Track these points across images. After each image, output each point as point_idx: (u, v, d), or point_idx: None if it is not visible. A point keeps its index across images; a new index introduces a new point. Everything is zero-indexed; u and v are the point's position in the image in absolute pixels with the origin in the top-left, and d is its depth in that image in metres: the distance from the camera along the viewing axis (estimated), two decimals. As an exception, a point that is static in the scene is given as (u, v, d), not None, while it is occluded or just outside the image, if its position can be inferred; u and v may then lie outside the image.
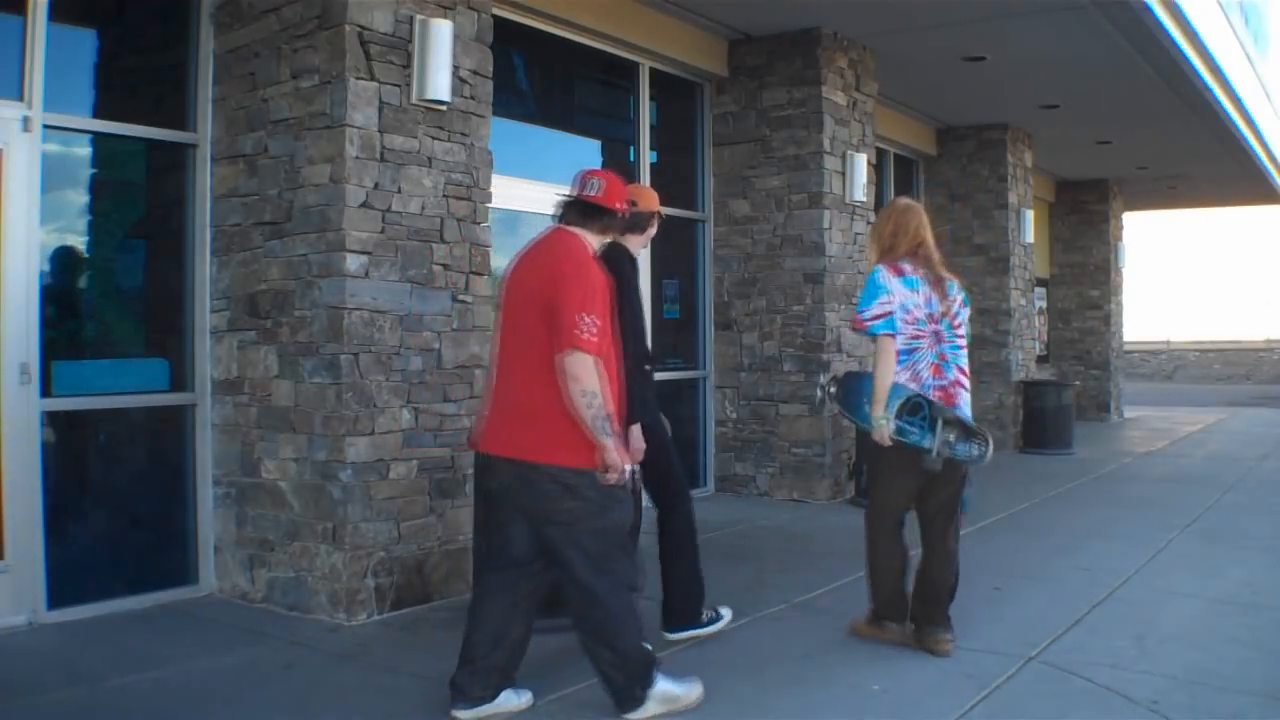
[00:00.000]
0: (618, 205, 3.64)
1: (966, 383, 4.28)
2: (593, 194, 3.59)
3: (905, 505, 4.34)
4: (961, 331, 4.29)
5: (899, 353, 4.16)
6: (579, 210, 3.60)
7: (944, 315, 4.22)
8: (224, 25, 5.11)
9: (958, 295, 4.30)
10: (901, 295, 4.17)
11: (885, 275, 4.20)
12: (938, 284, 4.25)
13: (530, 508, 3.45)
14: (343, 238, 4.61)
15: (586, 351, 3.29)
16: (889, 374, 4.16)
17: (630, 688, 3.49)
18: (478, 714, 3.47)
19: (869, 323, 4.19)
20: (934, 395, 4.17)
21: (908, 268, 4.22)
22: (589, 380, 3.29)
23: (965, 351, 4.30)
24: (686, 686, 3.62)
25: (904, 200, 4.51)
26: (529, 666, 3.66)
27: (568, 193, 3.65)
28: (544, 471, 3.36)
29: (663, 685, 3.53)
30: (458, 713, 3.46)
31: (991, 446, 4.16)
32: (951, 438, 4.11)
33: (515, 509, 3.51)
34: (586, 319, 3.30)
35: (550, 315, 3.32)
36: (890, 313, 4.15)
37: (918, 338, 4.18)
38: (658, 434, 4.25)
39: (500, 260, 6.28)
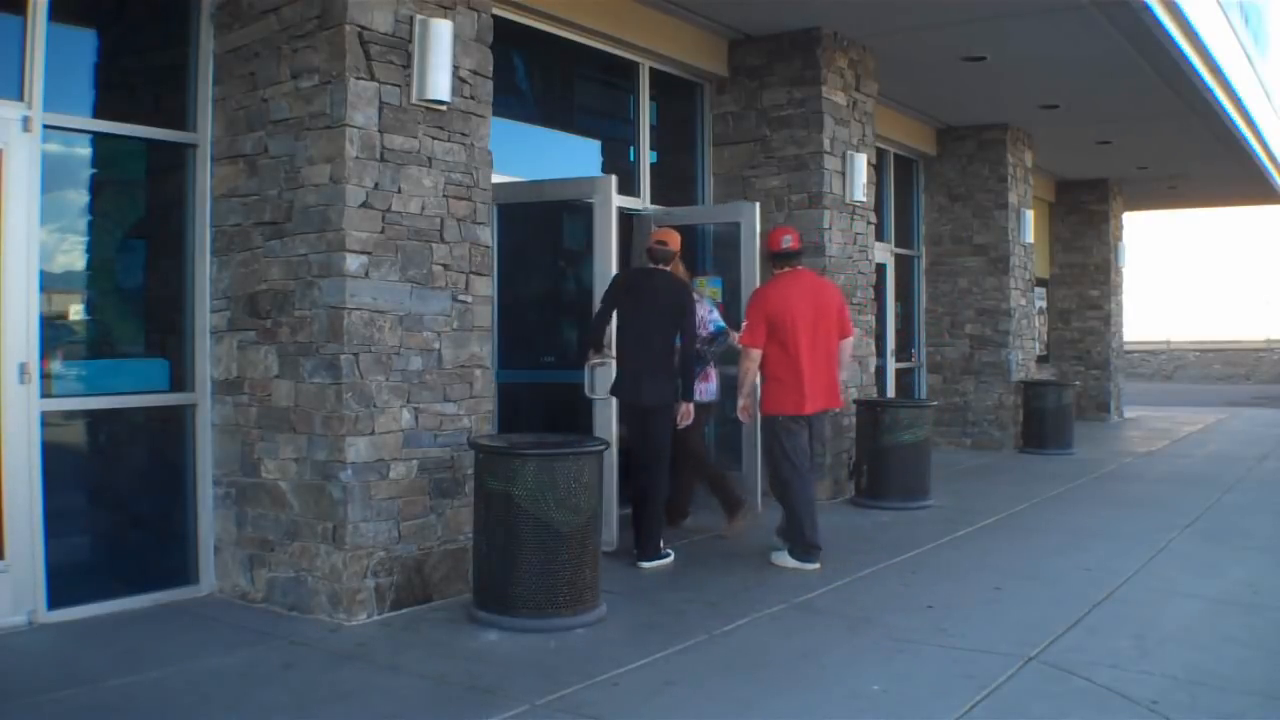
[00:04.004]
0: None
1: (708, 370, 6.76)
2: (796, 245, 6.01)
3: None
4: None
5: None
6: (801, 256, 6.07)
7: None
8: (224, 25, 5.11)
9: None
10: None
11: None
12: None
13: (823, 431, 5.95)
14: (343, 238, 4.61)
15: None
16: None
17: None
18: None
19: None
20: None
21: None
22: None
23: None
24: None
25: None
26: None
27: (788, 247, 5.93)
28: (835, 411, 6.30)
29: None
30: (818, 565, 5.63)
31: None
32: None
33: (815, 434, 5.97)
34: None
35: (839, 321, 5.94)
36: None
37: None
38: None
39: (499, 261, 6.30)
